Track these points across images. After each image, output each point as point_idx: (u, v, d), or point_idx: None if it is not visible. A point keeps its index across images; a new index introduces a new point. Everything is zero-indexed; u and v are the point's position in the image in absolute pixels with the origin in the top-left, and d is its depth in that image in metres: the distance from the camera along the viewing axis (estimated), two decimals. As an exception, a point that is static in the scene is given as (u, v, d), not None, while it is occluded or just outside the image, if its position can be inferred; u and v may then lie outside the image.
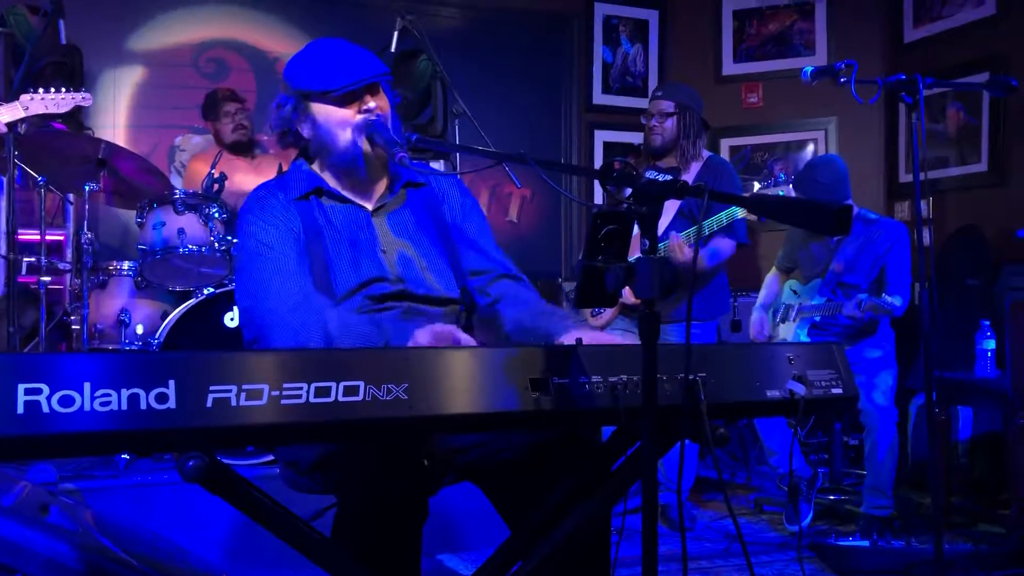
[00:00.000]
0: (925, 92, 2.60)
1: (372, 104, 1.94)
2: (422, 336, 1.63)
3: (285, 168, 4.07)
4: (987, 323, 3.75)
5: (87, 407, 1.13)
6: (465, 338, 1.64)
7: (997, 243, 4.59)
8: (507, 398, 1.38)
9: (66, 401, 1.12)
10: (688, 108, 3.72)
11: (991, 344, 3.72)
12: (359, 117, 1.94)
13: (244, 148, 4.33)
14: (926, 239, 2.63)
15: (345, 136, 1.95)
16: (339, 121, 1.95)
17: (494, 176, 5.26)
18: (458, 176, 2.25)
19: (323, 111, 1.96)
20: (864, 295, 3.54)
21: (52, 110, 3.41)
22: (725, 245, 3.67)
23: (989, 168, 4.75)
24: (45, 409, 1.11)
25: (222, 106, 4.28)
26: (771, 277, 4.14)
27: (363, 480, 1.64)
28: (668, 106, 3.72)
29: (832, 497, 4.01)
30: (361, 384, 1.28)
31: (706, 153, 3.82)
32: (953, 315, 4.33)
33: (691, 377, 1.49)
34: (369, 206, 2.04)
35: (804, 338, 3.78)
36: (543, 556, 1.66)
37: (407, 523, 1.66)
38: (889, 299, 3.47)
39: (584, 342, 1.74)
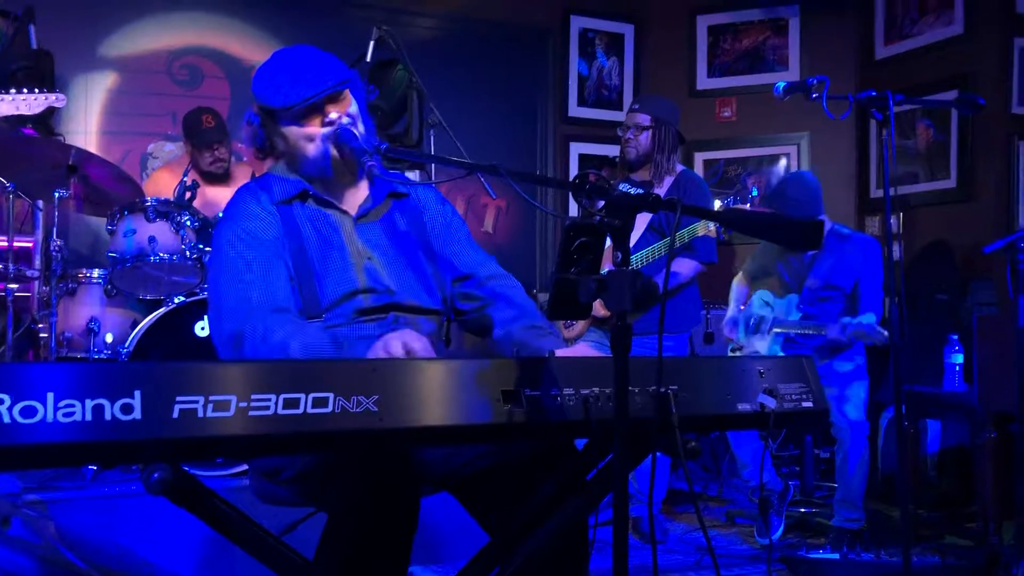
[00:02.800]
0: (895, 109, 2.64)
1: (334, 115, 1.93)
2: (379, 350, 1.62)
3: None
4: (955, 338, 3.80)
5: (50, 418, 1.11)
6: (422, 348, 1.63)
7: (965, 259, 4.65)
8: (479, 410, 1.37)
9: (28, 412, 1.10)
10: (664, 122, 3.74)
11: (959, 358, 3.76)
12: (324, 130, 1.94)
13: (217, 178, 4.26)
14: (896, 254, 2.66)
15: (314, 148, 1.95)
16: (305, 136, 1.95)
17: (470, 187, 5.26)
18: (433, 184, 2.24)
19: (289, 130, 1.95)
20: (848, 319, 3.54)
21: (24, 111, 3.34)
22: (684, 267, 3.68)
23: (957, 184, 4.82)
24: (6, 419, 1.09)
25: (205, 139, 4.16)
26: (739, 287, 4.15)
27: (355, 495, 1.62)
28: (644, 119, 3.74)
29: (803, 510, 4.03)
30: (331, 396, 1.27)
31: (679, 167, 3.84)
32: (922, 329, 4.38)
33: (663, 390, 1.49)
34: (352, 212, 2.03)
35: (779, 353, 3.80)
36: (517, 566, 1.66)
37: (397, 538, 1.65)
38: (880, 330, 3.46)
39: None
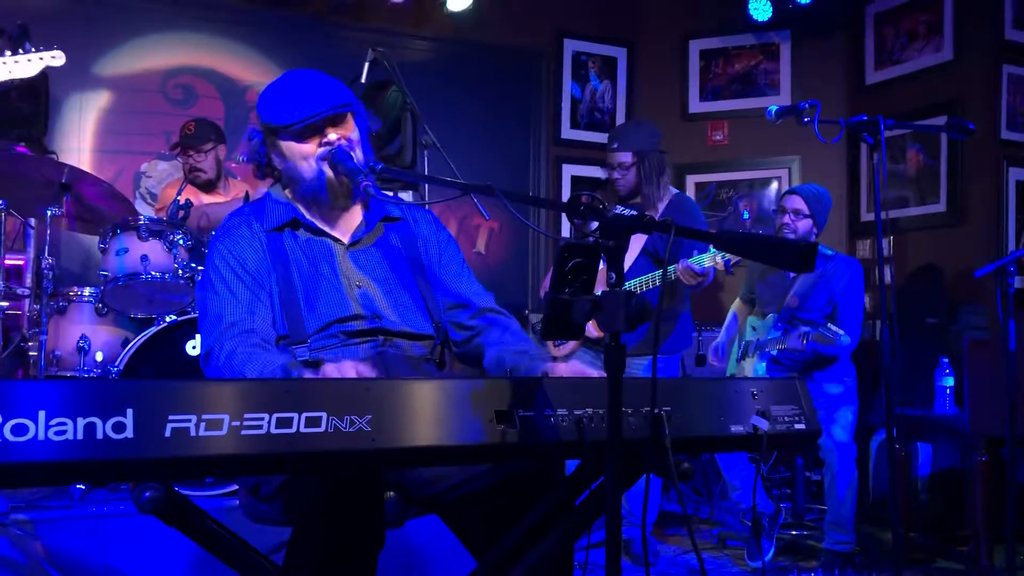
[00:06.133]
0: (886, 133, 2.66)
1: (333, 136, 1.95)
2: (330, 369, 1.60)
3: (252, 195, 4.06)
4: (946, 361, 3.81)
5: (41, 436, 1.11)
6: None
7: (955, 282, 4.67)
8: (472, 430, 1.37)
9: (19, 430, 1.10)
10: (646, 154, 3.70)
11: (950, 382, 3.77)
12: (320, 151, 1.95)
13: (201, 186, 4.26)
14: (887, 277, 2.67)
15: (309, 168, 1.96)
16: (302, 155, 1.96)
17: (462, 207, 5.27)
18: (430, 209, 2.25)
19: (287, 145, 1.97)
20: (809, 328, 3.60)
21: (18, 75, 3.15)
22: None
23: (947, 209, 4.85)
24: (-3, 438, 1.09)
25: (183, 143, 4.21)
26: (732, 313, 4.20)
27: (317, 506, 1.61)
28: (626, 158, 3.72)
29: (794, 532, 4.02)
30: (324, 415, 1.27)
31: (672, 191, 3.83)
32: (913, 352, 4.40)
33: (656, 411, 1.49)
34: (344, 239, 2.03)
35: (763, 372, 3.81)
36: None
37: (362, 552, 1.64)
38: (833, 327, 3.53)
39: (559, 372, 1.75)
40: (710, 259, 3.35)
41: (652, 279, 3.55)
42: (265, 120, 1.97)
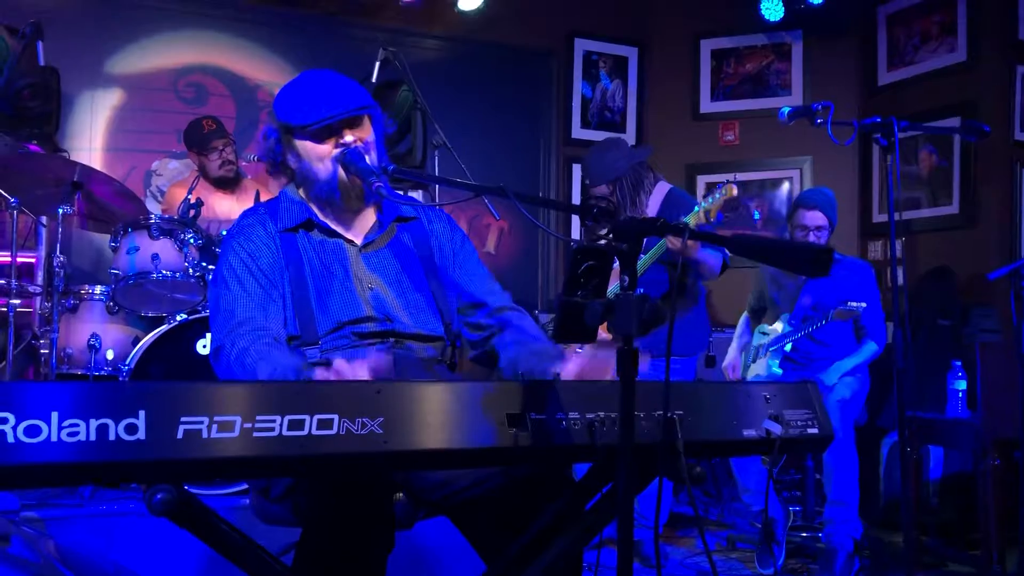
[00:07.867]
0: (899, 135, 2.64)
1: (350, 138, 1.94)
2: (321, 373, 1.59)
3: (263, 194, 4.06)
4: (958, 363, 3.79)
5: (54, 437, 1.11)
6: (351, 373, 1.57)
7: (968, 285, 4.65)
8: (484, 433, 1.37)
9: (32, 431, 1.10)
10: (617, 179, 3.67)
11: (962, 385, 3.75)
12: (336, 152, 1.95)
13: (229, 183, 4.29)
14: (899, 279, 2.66)
15: (324, 169, 1.96)
16: (318, 156, 1.96)
17: (473, 207, 5.27)
18: (443, 209, 2.24)
19: (303, 145, 1.97)
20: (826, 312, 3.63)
21: None
22: (713, 259, 3.55)
23: (960, 210, 4.82)
24: (10, 439, 1.09)
25: (209, 142, 4.22)
26: (741, 324, 4.19)
27: (326, 507, 1.61)
28: (602, 191, 3.71)
29: (804, 535, 4.01)
30: (335, 417, 1.26)
31: (664, 187, 3.75)
32: (925, 355, 4.38)
33: (669, 415, 1.48)
34: (357, 241, 2.03)
35: (776, 370, 3.80)
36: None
37: (371, 554, 1.64)
38: (852, 303, 3.51)
39: (576, 358, 1.74)
40: (695, 217, 3.27)
41: (652, 255, 3.46)
42: (282, 119, 1.97)
